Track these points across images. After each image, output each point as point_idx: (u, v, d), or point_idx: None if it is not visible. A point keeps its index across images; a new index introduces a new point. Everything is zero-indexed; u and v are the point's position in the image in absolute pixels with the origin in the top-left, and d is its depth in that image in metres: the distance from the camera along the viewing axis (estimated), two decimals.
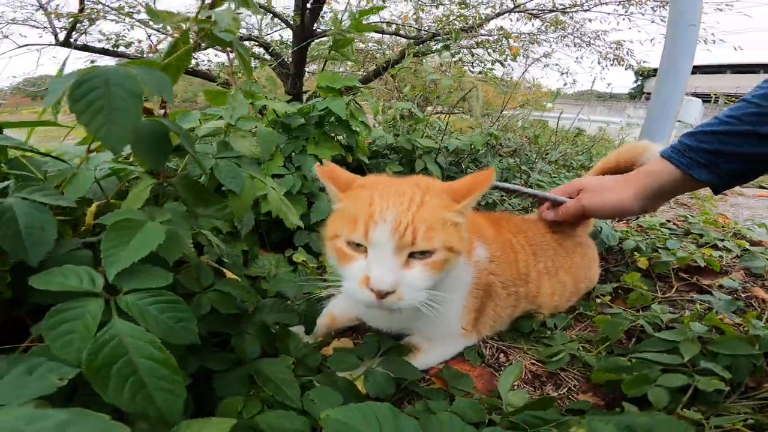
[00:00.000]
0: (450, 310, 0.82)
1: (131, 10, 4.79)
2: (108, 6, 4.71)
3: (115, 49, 5.40)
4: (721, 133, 0.82)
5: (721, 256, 1.33)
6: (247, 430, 0.56)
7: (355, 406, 0.50)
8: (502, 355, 0.97)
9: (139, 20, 4.81)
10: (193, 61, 5.06)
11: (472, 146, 1.55)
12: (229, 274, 0.75)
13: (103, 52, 5.41)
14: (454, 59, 6.09)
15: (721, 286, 1.16)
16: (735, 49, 5.67)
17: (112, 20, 4.99)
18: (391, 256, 0.64)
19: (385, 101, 1.84)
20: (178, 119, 0.86)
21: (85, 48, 5.32)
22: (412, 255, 0.67)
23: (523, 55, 7.49)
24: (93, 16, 4.78)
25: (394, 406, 0.51)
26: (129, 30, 5.35)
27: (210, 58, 6.20)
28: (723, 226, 1.64)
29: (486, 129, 1.73)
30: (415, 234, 0.64)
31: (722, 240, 1.45)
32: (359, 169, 1.61)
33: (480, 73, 5.84)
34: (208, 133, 0.81)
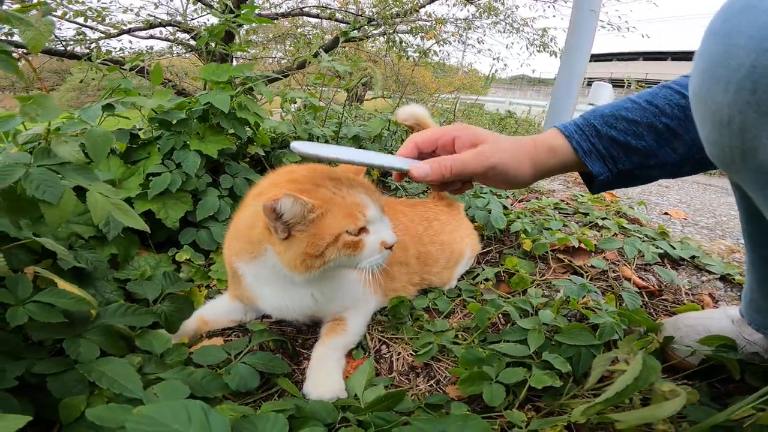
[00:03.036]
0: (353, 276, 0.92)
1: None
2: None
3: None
4: (637, 123, 0.67)
5: (600, 235, 1.42)
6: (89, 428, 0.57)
7: (168, 403, 0.50)
8: (384, 346, 0.99)
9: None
10: (103, 49, 4.69)
11: (371, 133, 1.55)
12: (61, 284, 0.70)
13: None
14: (387, 42, 6.08)
15: (592, 267, 1.23)
16: (642, 37, 6.05)
17: None
18: (383, 219, 0.81)
19: (291, 89, 1.79)
20: None
21: None
22: None
23: (458, 41, 7.62)
24: None
25: (207, 404, 0.51)
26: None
27: (123, 45, 5.78)
28: (608, 205, 1.75)
29: (386, 115, 1.74)
30: (380, 200, 0.82)
31: (604, 218, 1.54)
32: (260, 161, 1.57)
33: (409, 58, 5.87)
34: (29, 140, 0.73)
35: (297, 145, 0.64)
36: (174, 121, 1.25)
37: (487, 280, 1.20)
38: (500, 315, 1.05)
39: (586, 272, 1.22)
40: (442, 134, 0.73)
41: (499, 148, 0.71)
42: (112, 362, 0.66)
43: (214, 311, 0.99)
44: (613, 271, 1.24)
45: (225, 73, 1.32)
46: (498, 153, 0.70)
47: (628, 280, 1.19)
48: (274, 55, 7.78)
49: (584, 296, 1.00)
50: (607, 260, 1.27)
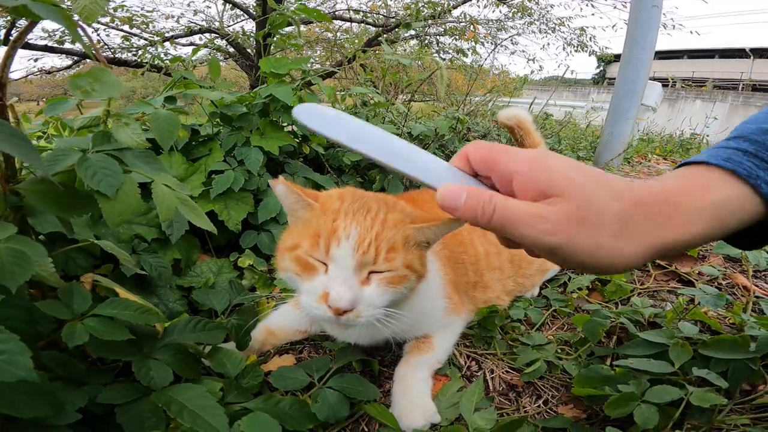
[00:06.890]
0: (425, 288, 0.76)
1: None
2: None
3: (60, 45, 5.07)
4: None
5: None
6: None
7: None
8: (474, 363, 0.87)
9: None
10: (147, 56, 4.77)
11: (437, 131, 1.44)
12: (123, 293, 0.61)
13: (46, 49, 5.09)
14: (421, 45, 6.00)
15: (701, 274, 1.09)
16: (691, 33, 5.78)
17: None
18: (351, 274, 0.62)
19: (345, 88, 1.70)
20: (48, 108, 0.71)
21: (26, 46, 4.98)
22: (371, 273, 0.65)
23: (490, 42, 7.47)
24: None
25: None
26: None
27: (168, 51, 5.90)
28: None
29: (451, 113, 1.62)
30: (378, 252, 0.62)
31: None
32: (316, 159, 1.48)
33: (444, 60, 5.77)
34: (85, 124, 0.64)
35: (299, 112, 0.47)
36: (235, 116, 1.17)
37: (579, 289, 1.07)
38: None
39: (696, 280, 1.07)
40: (500, 160, 0.46)
41: (581, 217, 0.41)
42: (190, 390, 0.56)
43: (280, 321, 0.89)
44: (723, 278, 1.09)
45: (285, 65, 1.24)
46: (574, 230, 0.41)
47: (745, 288, 1.04)
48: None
49: (723, 307, 0.87)
50: (715, 267, 1.12)
